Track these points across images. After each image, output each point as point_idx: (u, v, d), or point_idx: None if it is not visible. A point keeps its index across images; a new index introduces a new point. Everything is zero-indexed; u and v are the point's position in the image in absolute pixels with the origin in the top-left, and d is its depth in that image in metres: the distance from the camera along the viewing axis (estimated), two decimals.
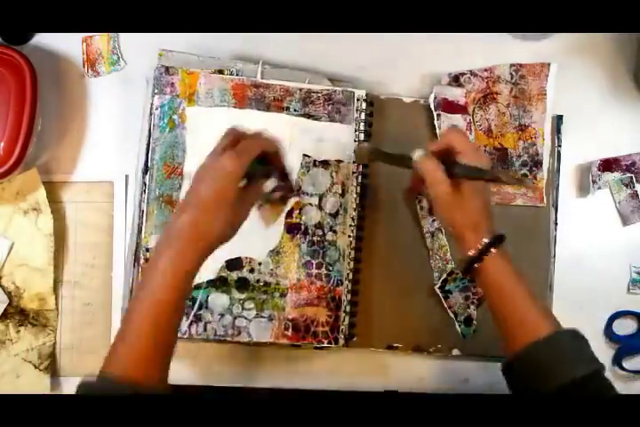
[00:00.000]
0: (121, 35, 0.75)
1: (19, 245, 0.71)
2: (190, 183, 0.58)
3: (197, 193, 0.57)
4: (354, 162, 0.71)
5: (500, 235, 0.60)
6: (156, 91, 0.70)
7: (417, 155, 0.62)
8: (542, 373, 0.55)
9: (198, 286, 0.69)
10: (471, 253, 0.59)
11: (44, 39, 0.74)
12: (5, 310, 0.70)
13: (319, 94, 0.72)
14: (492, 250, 0.59)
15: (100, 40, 0.74)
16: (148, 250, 0.69)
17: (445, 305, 0.72)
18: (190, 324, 0.69)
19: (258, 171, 0.60)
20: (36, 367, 0.70)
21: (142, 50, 0.73)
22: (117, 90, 0.74)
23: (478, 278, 0.60)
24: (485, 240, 0.59)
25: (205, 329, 0.69)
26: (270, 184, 0.63)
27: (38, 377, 0.70)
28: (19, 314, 0.71)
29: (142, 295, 0.54)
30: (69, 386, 0.71)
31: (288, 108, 0.71)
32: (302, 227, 0.70)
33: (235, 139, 0.59)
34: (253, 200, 0.62)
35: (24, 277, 0.71)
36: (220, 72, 0.72)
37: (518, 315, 0.58)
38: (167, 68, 0.70)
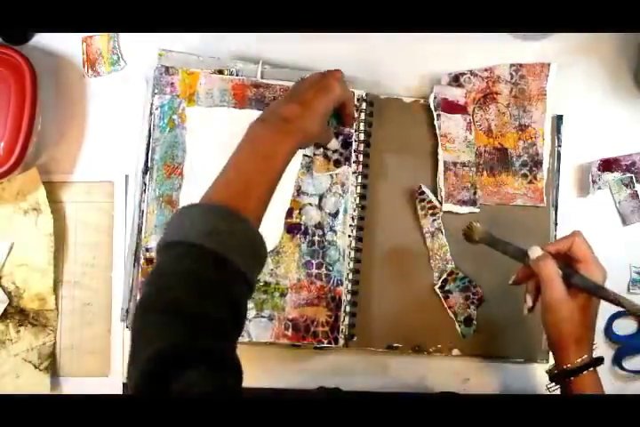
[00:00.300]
0: (121, 35, 0.75)
1: (19, 245, 0.71)
2: (297, 86, 0.65)
3: (306, 95, 0.61)
4: (464, 236, 0.65)
5: (600, 357, 0.60)
6: (156, 91, 0.70)
7: (534, 253, 0.60)
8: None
9: None
10: (567, 366, 0.59)
11: (43, 39, 0.74)
12: (5, 310, 0.70)
13: None
14: (591, 369, 0.59)
15: (100, 40, 0.74)
16: (148, 250, 0.69)
17: (445, 305, 0.72)
18: None
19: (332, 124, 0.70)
20: (35, 367, 0.70)
21: (142, 50, 0.73)
22: (117, 90, 0.74)
23: (568, 390, 0.60)
24: (585, 358, 0.59)
25: None
26: (334, 145, 0.70)
27: (38, 377, 0.70)
28: (19, 314, 0.71)
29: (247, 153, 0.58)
30: (69, 386, 0.71)
31: None
32: (302, 227, 0.70)
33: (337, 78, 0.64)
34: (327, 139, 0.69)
35: (24, 277, 0.71)
36: (220, 72, 0.72)
37: None
38: (167, 68, 0.70)
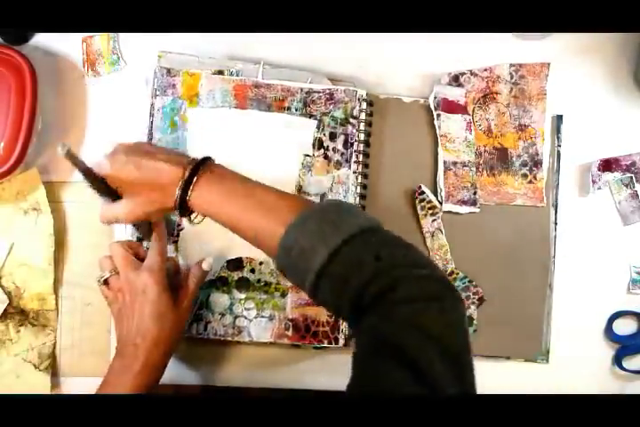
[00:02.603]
0: (121, 35, 0.75)
1: (19, 245, 0.71)
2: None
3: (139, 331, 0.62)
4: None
5: (197, 162, 0.56)
6: (157, 92, 0.70)
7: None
8: (304, 257, 0.51)
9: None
10: (178, 192, 0.55)
11: (43, 39, 0.74)
12: (5, 310, 0.70)
13: (320, 94, 0.72)
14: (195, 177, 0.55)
15: (100, 40, 0.74)
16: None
17: None
18: (191, 323, 0.69)
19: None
20: (35, 367, 0.70)
21: (142, 50, 0.73)
22: (117, 90, 0.74)
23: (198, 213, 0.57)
24: (182, 173, 0.55)
25: (206, 329, 0.69)
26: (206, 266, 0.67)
27: (38, 377, 0.70)
28: (19, 314, 0.71)
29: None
30: (69, 386, 0.71)
31: (289, 108, 0.71)
32: None
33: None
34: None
35: (24, 277, 0.71)
36: (220, 73, 0.72)
37: (255, 231, 0.55)
38: (169, 70, 0.70)
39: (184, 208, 0.56)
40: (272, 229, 0.53)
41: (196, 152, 0.69)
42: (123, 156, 0.58)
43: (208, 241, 0.70)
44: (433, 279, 0.50)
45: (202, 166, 0.56)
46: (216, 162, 0.58)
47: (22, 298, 0.71)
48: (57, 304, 0.71)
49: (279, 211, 0.54)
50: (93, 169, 0.58)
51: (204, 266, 0.66)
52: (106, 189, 0.59)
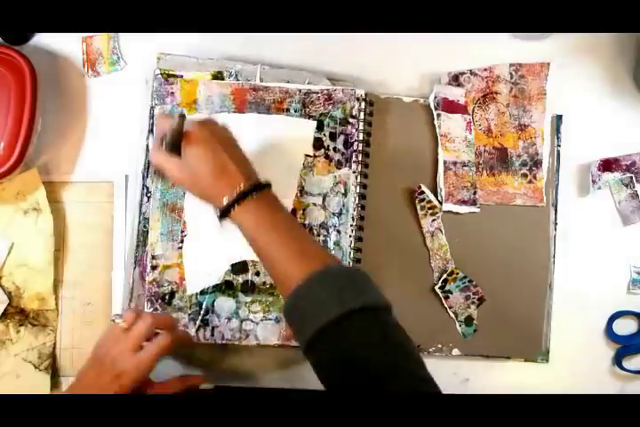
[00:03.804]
0: (121, 35, 0.74)
1: (19, 245, 0.71)
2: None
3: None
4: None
5: (262, 184, 0.60)
6: (156, 101, 0.70)
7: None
8: (302, 321, 0.55)
9: (204, 292, 0.69)
10: (225, 200, 0.59)
11: (43, 39, 0.74)
12: (5, 309, 0.70)
13: (318, 94, 0.72)
14: (254, 195, 0.59)
15: (100, 40, 0.74)
16: (154, 257, 0.69)
17: (445, 305, 0.72)
18: (198, 329, 0.69)
19: None
20: (35, 367, 0.70)
21: (142, 50, 0.73)
22: (117, 90, 0.74)
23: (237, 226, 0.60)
24: (242, 186, 0.59)
25: (213, 334, 0.69)
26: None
27: (38, 377, 0.70)
28: (19, 314, 0.71)
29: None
30: None
31: (288, 110, 0.71)
32: (307, 227, 0.70)
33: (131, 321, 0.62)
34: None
35: (24, 277, 0.71)
36: (219, 73, 0.72)
37: (276, 269, 0.58)
38: (166, 78, 0.71)
39: (223, 214, 0.60)
40: (291, 272, 0.56)
41: None
42: (209, 131, 0.61)
43: (212, 246, 0.70)
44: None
45: (261, 188, 0.60)
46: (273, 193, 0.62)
47: (22, 298, 0.71)
48: (57, 304, 0.71)
49: (306, 257, 0.57)
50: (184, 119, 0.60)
51: (203, 384, 0.68)
52: (177, 140, 0.61)
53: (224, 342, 0.69)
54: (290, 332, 0.69)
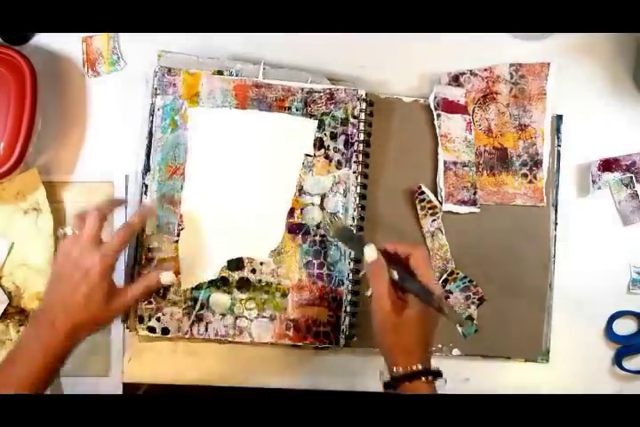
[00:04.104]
0: (121, 35, 0.74)
1: (19, 245, 0.71)
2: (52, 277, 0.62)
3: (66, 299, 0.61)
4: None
5: (436, 371, 0.59)
6: (158, 91, 0.70)
7: (369, 254, 0.60)
8: None
9: (199, 287, 0.69)
10: (399, 370, 0.58)
11: (43, 39, 0.74)
12: (5, 310, 0.70)
13: (321, 94, 0.72)
14: (423, 379, 0.57)
15: (100, 40, 0.74)
16: (150, 250, 0.69)
17: None
18: (192, 324, 0.69)
19: None
20: None
21: (142, 50, 0.73)
22: (117, 90, 0.74)
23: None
24: (415, 367, 0.57)
25: (207, 329, 0.69)
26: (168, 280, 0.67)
27: None
28: (19, 314, 0.71)
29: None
30: (69, 386, 0.71)
31: (290, 108, 0.71)
32: (304, 227, 0.70)
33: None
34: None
35: (24, 277, 0.71)
36: (220, 73, 0.72)
37: None
38: (169, 69, 0.70)
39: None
40: None
41: (197, 151, 0.70)
42: (427, 312, 0.59)
43: (208, 241, 0.70)
44: None
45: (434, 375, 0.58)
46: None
47: (22, 298, 0.71)
48: None
49: None
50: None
51: (163, 279, 0.66)
52: None
53: (218, 338, 0.69)
54: (283, 330, 0.69)
